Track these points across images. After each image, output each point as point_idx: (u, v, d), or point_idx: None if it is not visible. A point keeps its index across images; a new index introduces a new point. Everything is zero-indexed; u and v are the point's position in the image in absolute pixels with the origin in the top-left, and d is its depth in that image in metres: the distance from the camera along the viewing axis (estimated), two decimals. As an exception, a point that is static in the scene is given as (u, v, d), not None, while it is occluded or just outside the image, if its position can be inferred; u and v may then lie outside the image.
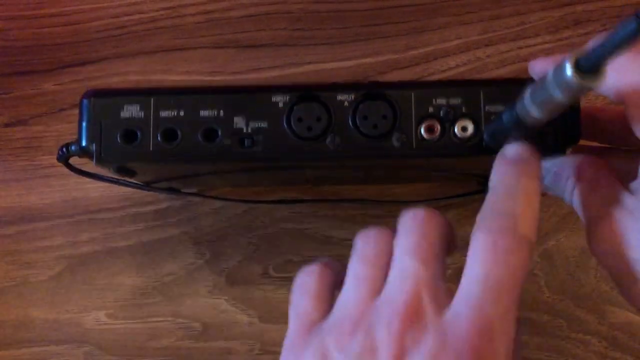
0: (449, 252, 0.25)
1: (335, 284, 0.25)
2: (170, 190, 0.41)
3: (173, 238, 0.44)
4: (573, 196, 0.25)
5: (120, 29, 0.49)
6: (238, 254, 0.43)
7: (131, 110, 0.27)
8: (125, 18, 0.49)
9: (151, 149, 0.27)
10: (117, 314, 0.42)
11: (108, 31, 0.49)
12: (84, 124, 0.28)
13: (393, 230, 0.25)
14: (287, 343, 0.25)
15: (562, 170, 0.26)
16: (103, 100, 0.27)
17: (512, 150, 0.24)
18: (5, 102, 0.47)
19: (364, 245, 0.25)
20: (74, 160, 0.34)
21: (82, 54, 0.48)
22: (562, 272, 0.42)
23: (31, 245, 0.44)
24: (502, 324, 0.20)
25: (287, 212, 0.44)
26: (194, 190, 0.45)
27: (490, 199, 0.22)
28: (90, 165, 0.36)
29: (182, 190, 0.42)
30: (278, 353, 0.25)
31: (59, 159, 0.32)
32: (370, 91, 0.27)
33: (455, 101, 0.27)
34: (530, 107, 0.21)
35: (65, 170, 0.46)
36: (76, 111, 0.28)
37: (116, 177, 0.38)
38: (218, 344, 0.42)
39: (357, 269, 0.24)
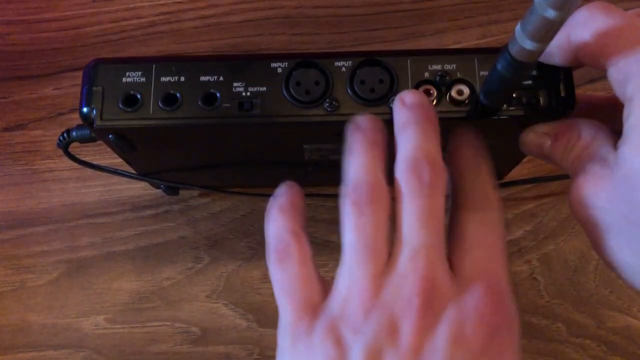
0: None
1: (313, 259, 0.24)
2: (167, 182, 0.41)
3: (172, 242, 0.44)
4: (569, 158, 0.25)
5: (118, 33, 0.49)
6: (237, 259, 0.43)
7: (133, 76, 0.28)
8: (124, 23, 0.49)
9: (151, 112, 0.27)
10: (116, 318, 0.42)
11: (107, 36, 0.49)
12: (85, 89, 0.28)
13: (384, 175, 0.23)
14: (288, 331, 0.23)
15: (563, 131, 0.26)
16: (105, 66, 0.28)
17: (469, 147, 0.26)
18: (4, 107, 0.47)
19: (359, 212, 0.22)
20: (79, 161, 0.34)
21: (81, 59, 0.48)
22: (561, 276, 0.42)
23: (30, 249, 0.44)
24: (507, 278, 0.23)
25: (286, 216, 0.44)
26: (192, 193, 0.45)
27: (465, 181, 0.25)
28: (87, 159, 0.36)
29: (178, 185, 0.42)
30: (277, 357, 0.24)
31: (58, 145, 0.32)
32: (368, 58, 0.28)
33: (450, 67, 0.27)
34: (523, 40, 0.21)
35: (64, 174, 0.46)
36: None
37: (113, 168, 0.37)
38: (217, 348, 0.42)
39: (355, 242, 0.22)
